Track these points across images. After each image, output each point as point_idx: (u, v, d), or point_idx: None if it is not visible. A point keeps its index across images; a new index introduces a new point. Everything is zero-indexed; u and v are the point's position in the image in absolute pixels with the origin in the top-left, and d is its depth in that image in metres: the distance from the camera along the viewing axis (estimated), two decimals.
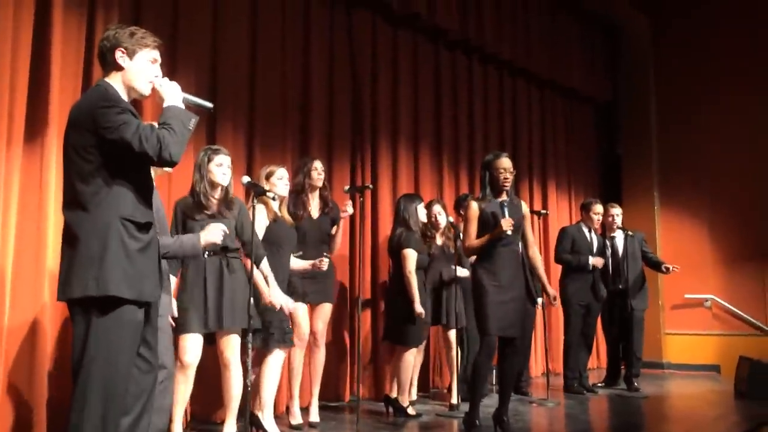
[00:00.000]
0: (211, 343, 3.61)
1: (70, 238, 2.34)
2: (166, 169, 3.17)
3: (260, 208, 3.97)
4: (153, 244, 2.45)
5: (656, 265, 6.30)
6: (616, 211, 6.31)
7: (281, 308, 3.83)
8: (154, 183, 3.08)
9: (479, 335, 4.07)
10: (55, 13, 3.89)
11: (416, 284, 4.70)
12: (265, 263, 3.72)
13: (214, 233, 3.13)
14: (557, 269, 6.47)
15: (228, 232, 3.24)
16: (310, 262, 4.19)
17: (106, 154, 2.31)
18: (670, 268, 6.16)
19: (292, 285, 4.17)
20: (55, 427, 3.64)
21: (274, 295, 3.67)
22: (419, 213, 4.95)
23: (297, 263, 4.23)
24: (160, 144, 2.29)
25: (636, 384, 6.05)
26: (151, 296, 2.40)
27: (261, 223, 3.96)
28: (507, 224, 3.91)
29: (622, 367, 6.35)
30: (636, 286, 6.17)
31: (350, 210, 4.57)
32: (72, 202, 2.35)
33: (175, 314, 3.44)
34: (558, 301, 4.91)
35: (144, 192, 2.44)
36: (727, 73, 8.16)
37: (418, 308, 4.66)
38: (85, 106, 2.37)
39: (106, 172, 2.32)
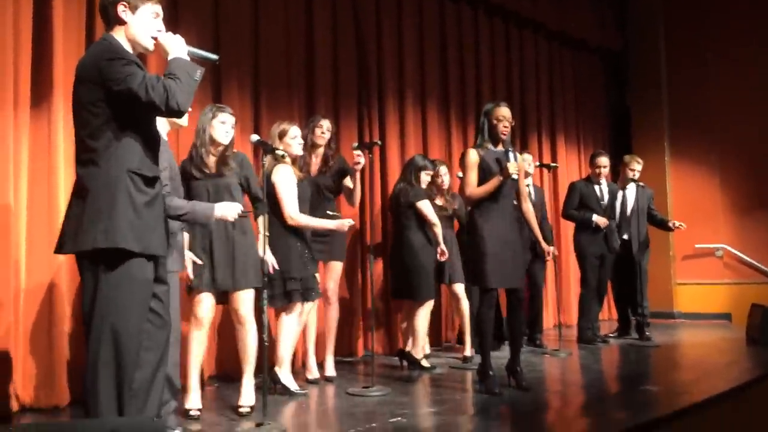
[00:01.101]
0: (223, 302, 3.63)
1: (80, 192, 2.35)
2: (180, 122, 3.16)
3: (287, 168, 3.96)
4: (159, 198, 2.45)
5: (661, 224, 6.28)
6: (638, 167, 6.22)
7: (305, 264, 3.91)
8: (163, 138, 3.08)
9: (479, 289, 4.05)
10: None
11: (441, 232, 4.83)
12: (262, 219, 3.67)
13: (229, 210, 3.11)
14: (568, 222, 6.47)
15: (241, 213, 3.20)
16: (330, 225, 4.06)
17: (114, 106, 2.30)
18: (677, 225, 6.13)
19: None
20: (76, 384, 3.71)
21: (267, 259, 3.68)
22: (422, 176, 4.95)
23: (318, 223, 4.09)
24: (167, 93, 2.28)
25: (647, 333, 6.09)
26: (158, 249, 2.41)
27: (291, 183, 3.96)
28: (514, 168, 3.89)
29: (632, 317, 6.38)
30: (641, 239, 6.16)
31: (362, 161, 4.43)
32: (84, 158, 2.36)
33: (189, 271, 3.46)
34: (550, 257, 5.10)
35: (151, 146, 2.44)
36: (738, 23, 8.00)
37: (444, 248, 4.81)
38: (91, 60, 2.36)
39: (115, 124, 2.32)
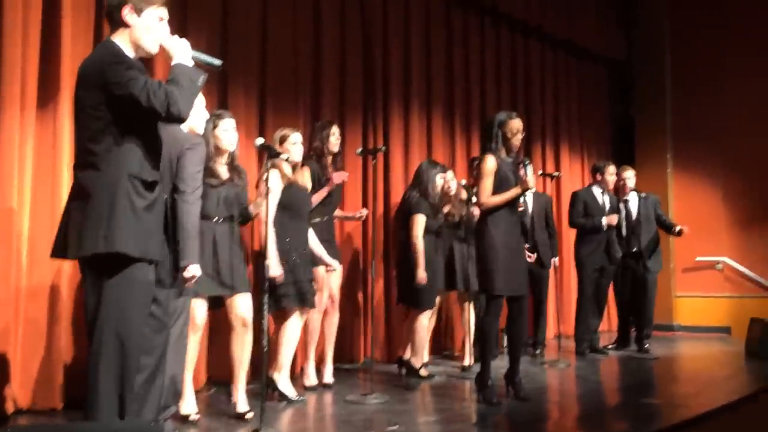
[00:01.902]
0: (219, 305, 3.63)
1: (80, 196, 2.35)
2: (196, 129, 3.18)
3: (273, 172, 3.94)
4: (158, 202, 2.46)
5: (668, 228, 6.27)
6: (628, 174, 6.25)
7: (299, 270, 3.89)
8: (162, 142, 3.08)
9: (486, 296, 4.06)
10: None
11: (423, 250, 4.73)
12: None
13: (197, 272, 2.97)
14: (571, 232, 6.46)
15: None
16: (327, 260, 4.28)
17: (115, 111, 2.31)
18: (682, 230, 6.13)
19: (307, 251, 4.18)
20: (74, 386, 3.70)
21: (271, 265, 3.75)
22: (437, 181, 4.95)
23: (319, 250, 4.27)
24: (168, 100, 2.28)
25: (647, 345, 6.08)
26: (156, 254, 2.41)
27: (275, 187, 3.92)
28: (533, 181, 3.95)
29: (633, 329, 6.37)
30: (650, 248, 6.15)
31: (363, 214, 4.77)
32: (84, 162, 2.36)
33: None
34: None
35: (152, 150, 2.44)
36: (744, 34, 8.00)
37: (421, 274, 4.69)
38: (93, 63, 2.37)
39: (116, 129, 2.32)
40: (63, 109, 3.79)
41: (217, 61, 2.61)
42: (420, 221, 4.78)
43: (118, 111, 2.31)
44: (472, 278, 5.07)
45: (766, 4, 7.88)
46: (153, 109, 2.28)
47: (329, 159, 4.56)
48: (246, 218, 3.75)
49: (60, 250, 2.40)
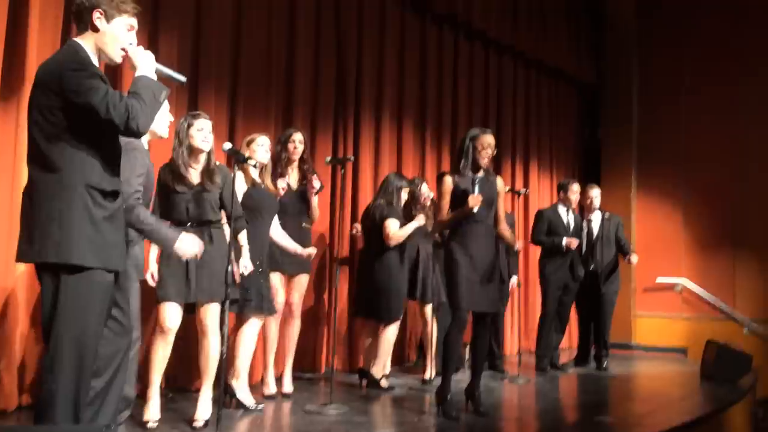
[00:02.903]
0: (191, 312, 3.58)
1: (31, 197, 2.30)
2: (160, 134, 3.14)
3: (238, 175, 3.90)
4: (119, 212, 2.41)
5: (624, 252, 6.28)
6: (595, 193, 6.32)
7: (258, 277, 3.85)
8: (144, 147, 3.04)
9: (450, 310, 4.07)
10: None
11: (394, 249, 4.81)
12: (243, 235, 3.71)
13: (190, 248, 2.92)
14: (537, 249, 6.53)
15: (201, 250, 3.00)
16: (298, 250, 4.23)
17: (72, 117, 2.26)
18: (630, 259, 6.17)
19: (270, 254, 4.16)
20: (25, 389, 3.63)
21: (242, 263, 3.69)
22: (402, 195, 4.96)
23: (286, 242, 4.24)
24: (128, 113, 2.24)
25: (605, 364, 6.16)
26: (117, 265, 2.37)
27: (238, 189, 3.89)
28: (474, 201, 3.89)
29: (593, 347, 6.45)
30: (608, 268, 6.23)
31: (316, 185, 4.50)
32: (36, 160, 2.30)
33: (154, 278, 3.43)
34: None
35: (111, 159, 2.39)
36: (710, 63, 8.24)
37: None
38: (54, 66, 2.31)
39: (71, 136, 2.27)
40: (26, 107, 3.69)
41: (181, 77, 2.59)
42: (395, 225, 4.79)
43: (74, 118, 2.25)
44: (432, 290, 5.10)
45: (730, 34, 8.12)
46: (111, 121, 2.23)
47: (289, 166, 4.53)
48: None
49: (18, 254, 2.35)
